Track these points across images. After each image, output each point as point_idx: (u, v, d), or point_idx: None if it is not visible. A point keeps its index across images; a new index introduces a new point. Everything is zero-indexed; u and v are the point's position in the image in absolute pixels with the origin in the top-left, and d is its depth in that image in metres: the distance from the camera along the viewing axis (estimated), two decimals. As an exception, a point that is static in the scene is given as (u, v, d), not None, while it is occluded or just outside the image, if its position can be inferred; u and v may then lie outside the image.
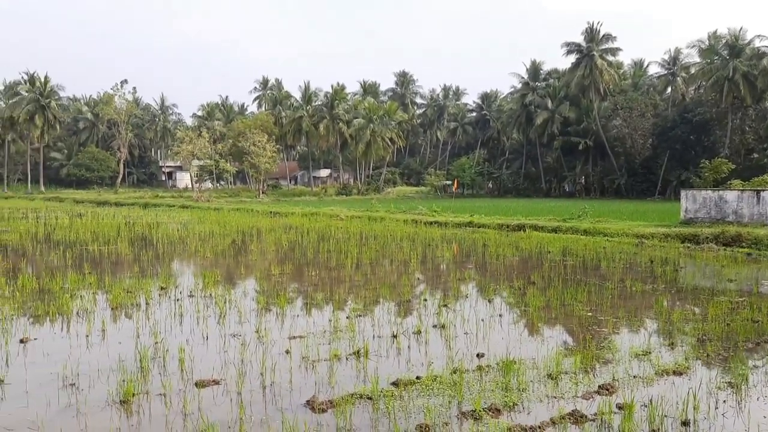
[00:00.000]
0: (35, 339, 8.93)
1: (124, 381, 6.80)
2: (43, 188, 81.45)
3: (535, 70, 73.61)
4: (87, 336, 9.13)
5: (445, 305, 11.35)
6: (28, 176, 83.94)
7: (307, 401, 6.39)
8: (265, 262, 17.41)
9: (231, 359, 7.96)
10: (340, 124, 76.62)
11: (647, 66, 74.40)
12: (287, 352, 8.25)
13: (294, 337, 9.01)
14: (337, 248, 19.88)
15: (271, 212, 38.89)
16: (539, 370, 7.48)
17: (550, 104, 69.36)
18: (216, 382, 7.03)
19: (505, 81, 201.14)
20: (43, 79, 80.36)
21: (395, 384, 6.90)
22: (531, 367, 7.62)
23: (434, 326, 9.75)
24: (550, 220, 28.66)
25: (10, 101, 79.28)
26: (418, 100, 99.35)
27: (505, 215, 32.05)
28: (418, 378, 7.09)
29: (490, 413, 6.04)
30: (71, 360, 7.75)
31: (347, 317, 10.38)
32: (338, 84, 79.92)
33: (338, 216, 35.08)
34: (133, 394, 6.56)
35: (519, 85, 75.26)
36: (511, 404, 6.34)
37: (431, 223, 30.34)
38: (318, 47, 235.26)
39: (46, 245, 21.57)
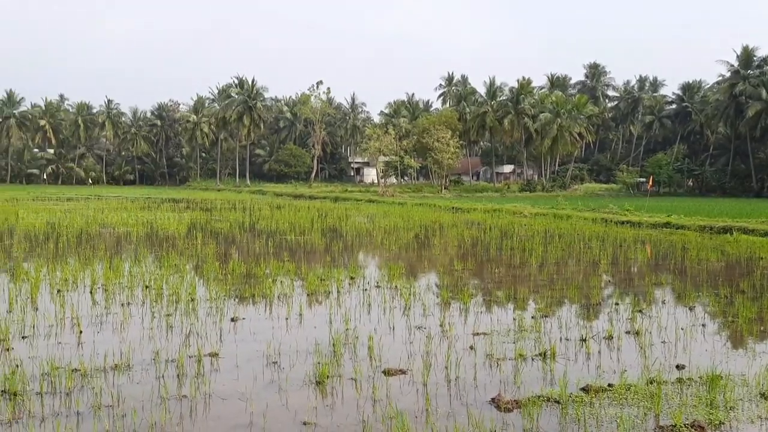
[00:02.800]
0: (243, 318, 9.85)
1: (319, 363, 7.27)
2: (248, 182, 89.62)
3: (746, 56, 66.16)
4: (287, 319, 9.88)
5: (640, 310, 10.66)
6: (236, 171, 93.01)
7: (492, 399, 6.35)
8: (447, 257, 17.60)
9: (416, 351, 8.15)
10: (526, 118, 75.01)
11: None
12: (471, 348, 8.27)
13: (478, 334, 9.01)
14: (520, 246, 19.52)
15: (453, 208, 39.21)
16: (750, 388, 6.74)
17: (764, 94, 61.97)
18: (402, 372, 7.25)
19: (711, 70, 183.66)
20: (251, 82, 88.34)
21: (585, 390, 6.61)
22: (740, 383, 6.89)
23: (627, 332, 9.20)
24: (762, 222, 25.68)
25: (224, 103, 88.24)
26: (610, 93, 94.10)
27: (709, 216, 29.27)
28: (610, 385, 6.73)
29: (693, 430, 5.56)
30: (274, 340, 8.43)
31: (532, 317, 10.15)
32: (524, 78, 78.27)
33: (522, 213, 34.43)
34: (328, 377, 6.98)
35: (727, 74, 68.14)
36: (717, 422, 5.78)
37: (623, 222, 28.64)
38: (504, 42, 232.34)
39: (251, 234, 23.70)
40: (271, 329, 9.18)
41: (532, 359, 7.83)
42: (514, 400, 6.28)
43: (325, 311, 10.44)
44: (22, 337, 8.51)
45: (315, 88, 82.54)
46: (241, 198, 56.33)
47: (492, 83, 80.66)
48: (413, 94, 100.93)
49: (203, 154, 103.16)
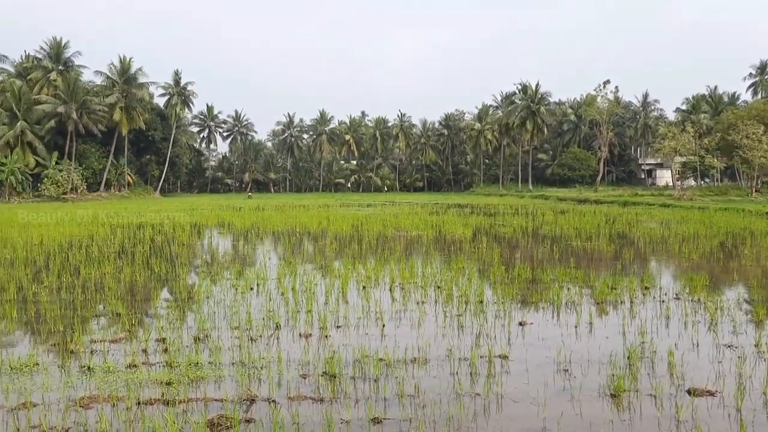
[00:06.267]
0: (531, 323, 9.87)
1: (613, 375, 6.96)
2: (530, 187, 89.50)
3: None
4: (576, 326, 9.64)
5: None
6: (518, 176, 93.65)
7: (829, 437, 5.42)
8: (759, 269, 15.43)
9: (726, 371, 7.32)
10: None
11: None
12: (797, 374, 7.15)
13: (806, 359, 7.75)
14: None
15: (767, 213, 34.21)
16: None
17: None
18: (710, 393, 6.57)
19: None
20: (534, 88, 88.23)
21: None
22: None
23: None
24: None
25: (507, 109, 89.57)
26: None
27: None
28: None
29: None
30: (564, 347, 8.30)
31: None
32: None
33: None
34: (623, 390, 6.64)
35: None
36: None
37: None
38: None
39: (534, 239, 23.59)
40: (559, 336, 9.04)
41: None
42: None
43: (617, 321, 9.95)
44: (337, 327, 9.67)
45: (601, 87, 79.30)
46: (524, 203, 56.42)
47: (821, 66, 68.62)
48: (715, 87, 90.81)
49: (486, 161, 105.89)
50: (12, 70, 75.78)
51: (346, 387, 6.89)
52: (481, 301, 11.39)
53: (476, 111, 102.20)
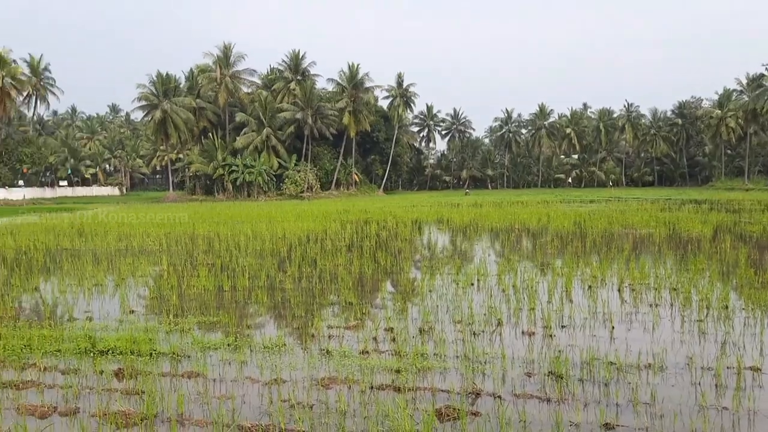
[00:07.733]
0: (790, 334, 8.67)
1: None
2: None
3: None
4: None
5: None
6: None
7: None
8: None
9: None
10: None
11: None
12: None
13: None
14: None
15: None
16: None
17: None
18: None
19: None
20: (787, 66, 77.16)
21: None
22: None
23: None
24: None
25: (754, 93, 79.55)
26: None
27: None
28: None
29: None
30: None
31: None
32: None
33: None
34: None
35: None
36: None
37: None
38: None
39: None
40: (828, 351, 7.81)
41: None
42: None
43: None
44: (561, 327, 9.38)
45: None
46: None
47: None
48: None
49: (728, 151, 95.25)
50: (259, 82, 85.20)
51: (573, 389, 6.65)
52: (726, 307, 10.27)
53: (716, 97, 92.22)
